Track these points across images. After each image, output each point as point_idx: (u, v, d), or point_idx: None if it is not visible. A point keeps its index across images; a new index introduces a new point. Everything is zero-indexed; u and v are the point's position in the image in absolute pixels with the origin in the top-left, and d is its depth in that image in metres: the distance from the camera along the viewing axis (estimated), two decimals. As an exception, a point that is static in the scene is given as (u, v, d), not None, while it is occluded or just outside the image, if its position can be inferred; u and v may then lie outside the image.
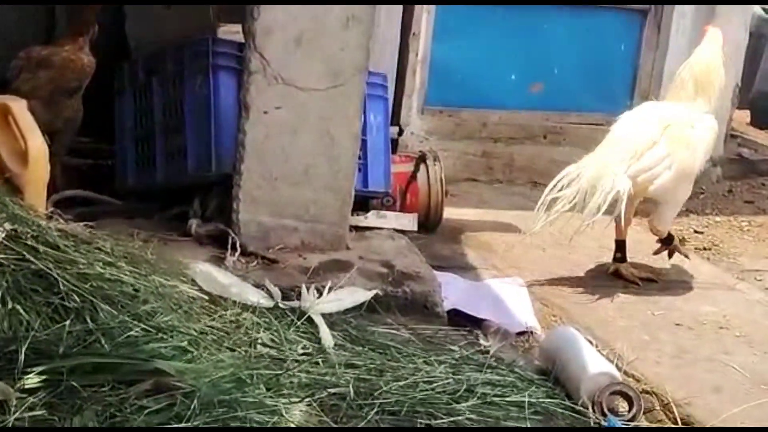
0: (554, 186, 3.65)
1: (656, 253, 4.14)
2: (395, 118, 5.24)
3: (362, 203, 3.93)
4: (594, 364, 2.84)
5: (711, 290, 4.04)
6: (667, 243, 4.07)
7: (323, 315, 2.95)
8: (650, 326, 3.55)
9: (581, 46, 5.87)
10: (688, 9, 5.82)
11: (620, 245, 4.01)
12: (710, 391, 3.05)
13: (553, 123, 5.81)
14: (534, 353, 3.15)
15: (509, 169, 5.53)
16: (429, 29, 5.41)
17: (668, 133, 3.80)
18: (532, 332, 3.35)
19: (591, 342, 3.16)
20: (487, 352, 2.99)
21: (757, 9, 7.45)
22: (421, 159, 4.33)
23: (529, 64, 5.81)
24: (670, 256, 4.15)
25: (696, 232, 4.86)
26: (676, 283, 4.06)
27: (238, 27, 3.63)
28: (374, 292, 3.14)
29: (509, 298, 3.60)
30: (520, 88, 5.84)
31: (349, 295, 3.12)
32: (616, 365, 3.02)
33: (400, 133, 5.32)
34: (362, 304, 3.10)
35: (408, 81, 5.31)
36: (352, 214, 3.69)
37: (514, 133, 5.68)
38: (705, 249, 4.63)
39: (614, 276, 3.98)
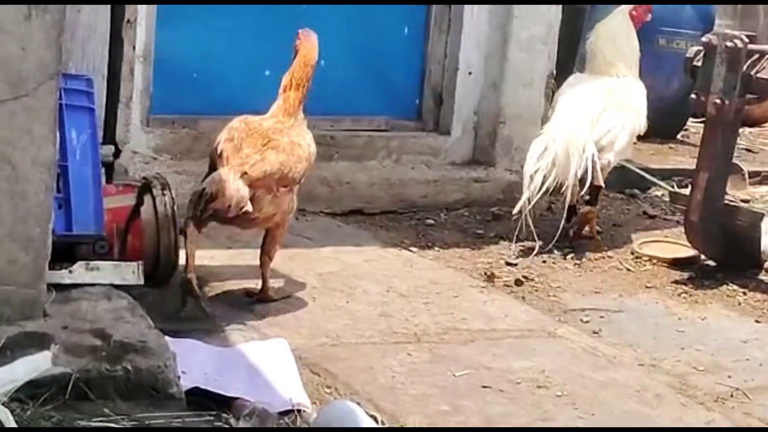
0: (531, 160, 5.10)
1: (575, 223, 5.40)
2: (109, 135, 5.20)
3: (66, 252, 3.87)
4: (378, 448, 2.92)
5: (527, 339, 4.22)
6: (593, 201, 5.43)
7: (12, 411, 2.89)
8: (451, 392, 3.66)
9: (353, 33, 6.01)
10: (484, -20, 6.08)
11: (597, 190, 5.37)
12: (526, 471, 3.19)
13: (321, 131, 5.89)
14: (303, 439, 3.20)
15: (267, 195, 5.56)
16: (152, 14, 5.40)
17: (612, 99, 5.33)
18: (300, 411, 3.40)
19: (375, 418, 3.26)
20: (240, 441, 3.03)
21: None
22: (146, 188, 4.31)
23: (287, 56, 5.88)
24: (579, 228, 5.40)
25: (507, 264, 5.05)
26: (483, 333, 4.22)
27: None
28: (51, 353, 3.10)
29: (269, 368, 3.64)
30: (276, 89, 5.90)
31: (25, 367, 3.06)
32: (408, 446, 3.12)
33: (117, 153, 5.27)
34: (61, 382, 3.05)
35: (124, 84, 5.28)
36: (52, 268, 3.63)
37: (272, 147, 5.73)
38: (518, 285, 4.81)
39: (583, 220, 5.39)
